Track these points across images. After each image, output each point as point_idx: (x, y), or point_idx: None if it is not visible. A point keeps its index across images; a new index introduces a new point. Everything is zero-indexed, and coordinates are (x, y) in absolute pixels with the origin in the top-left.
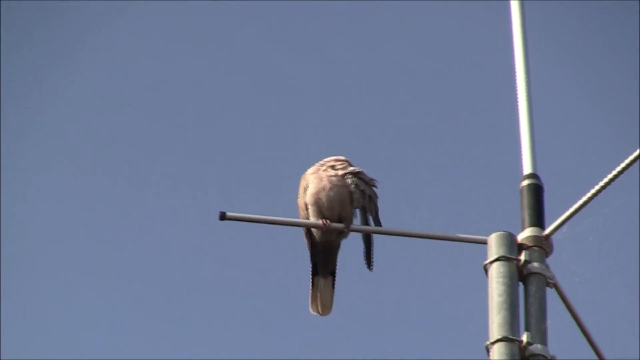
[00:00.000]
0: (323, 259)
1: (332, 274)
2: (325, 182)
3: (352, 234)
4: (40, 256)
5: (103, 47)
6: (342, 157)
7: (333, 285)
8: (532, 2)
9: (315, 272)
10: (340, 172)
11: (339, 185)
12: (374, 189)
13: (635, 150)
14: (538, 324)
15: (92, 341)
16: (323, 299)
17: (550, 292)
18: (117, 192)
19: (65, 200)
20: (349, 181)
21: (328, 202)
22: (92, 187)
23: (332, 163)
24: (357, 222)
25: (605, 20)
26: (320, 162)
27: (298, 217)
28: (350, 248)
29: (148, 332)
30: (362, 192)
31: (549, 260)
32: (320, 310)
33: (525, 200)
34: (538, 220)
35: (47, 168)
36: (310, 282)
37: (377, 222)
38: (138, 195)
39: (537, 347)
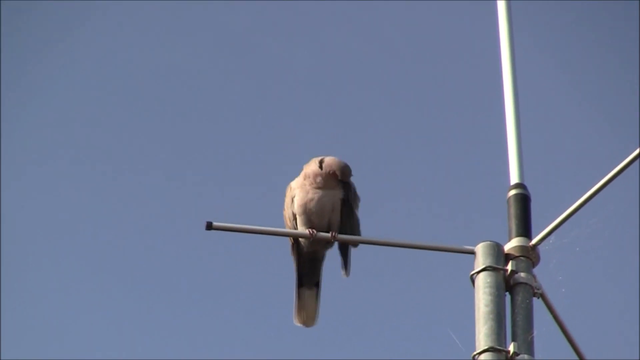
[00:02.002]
0: (308, 270)
1: (317, 285)
2: (312, 193)
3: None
4: (40, 256)
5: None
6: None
7: (317, 297)
8: (519, 13)
9: (300, 284)
10: (331, 183)
11: (327, 193)
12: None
13: (623, 159)
14: (525, 334)
15: (90, 341)
16: (308, 311)
17: (537, 303)
18: (102, 201)
19: (54, 206)
20: (338, 191)
21: (317, 211)
22: (77, 195)
23: (317, 179)
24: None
25: (593, 28)
26: (304, 173)
27: (284, 227)
28: (335, 259)
29: (137, 337)
30: (349, 190)
31: (536, 271)
32: (305, 322)
33: (512, 210)
34: (525, 230)
35: (31, 171)
36: (296, 294)
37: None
38: (124, 203)
39: (523, 358)
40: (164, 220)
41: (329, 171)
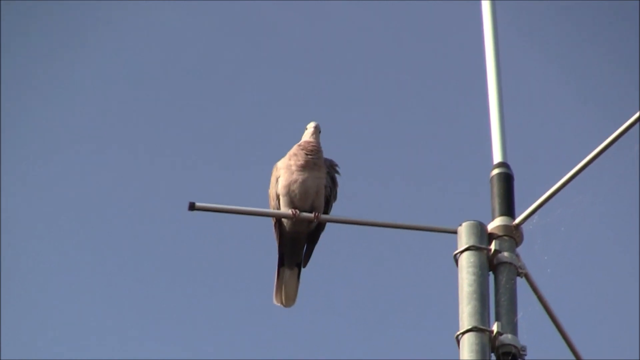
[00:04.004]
0: (290, 250)
1: (298, 265)
2: (297, 175)
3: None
4: (39, 256)
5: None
6: (312, 143)
7: (298, 277)
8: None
9: (281, 263)
10: (316, 167)
11: (312, 176)
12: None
13: (606, 138)
14: (508, 314)
15: (77, 322)
16: (287, 291)
17: (521, 282)
18: (86, 183)
19: (39, 189)
20: (323, 176)
21: (301, 193)
22: (61, 177)
23: (303, 158)
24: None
25: (573, 6)
26: (291, 151)
27: (268, 208)
28: (320, 240)
29: (120, 317)
30: (332, 185)
31: (520, 250)
32: (284, 302)
33: (495, 189)
34: (508, 209)
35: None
36: (276, 273)
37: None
38: (107, 185)
39: (507, 337)
40: (146, 201)
41: (305, 140)
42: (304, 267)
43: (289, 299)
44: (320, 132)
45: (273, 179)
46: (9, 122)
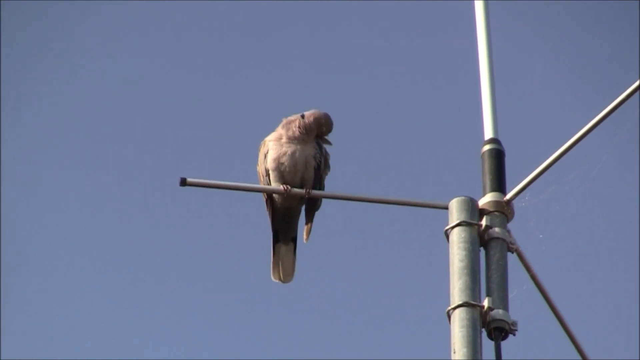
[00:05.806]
0: (284, 226)
1: (293, 240)
2: (286, 148)
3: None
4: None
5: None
6: (304, 120)
7: (294, 252)
8: None
9: (276, 239)
10: (307, 138)
11: (301, 148)
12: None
13: (598, 114)
14: (499, 289)
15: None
16: (285, 267)
17: (512, 258)
18: (75, 156)
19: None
20: (312, 147)
21: (290, 165)
22: (51, 151)
23: (293, 130)
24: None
25: None
26: (280, 127)
27: (259, 184)
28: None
29: (112, 297)
30: (322, 161)
31: (516, 228)
32: (282, 278)
33: (487, 166)
34: (499, 185)
35: None
36: (272, 250)
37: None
38: (97, 160)
39: (498, 313)
40: (137, 177)
41: (310, 120)
42: (306, 241)
43: (287, 275)
44: (323, 120)
45: (261, 155)
46: (9, 122)
